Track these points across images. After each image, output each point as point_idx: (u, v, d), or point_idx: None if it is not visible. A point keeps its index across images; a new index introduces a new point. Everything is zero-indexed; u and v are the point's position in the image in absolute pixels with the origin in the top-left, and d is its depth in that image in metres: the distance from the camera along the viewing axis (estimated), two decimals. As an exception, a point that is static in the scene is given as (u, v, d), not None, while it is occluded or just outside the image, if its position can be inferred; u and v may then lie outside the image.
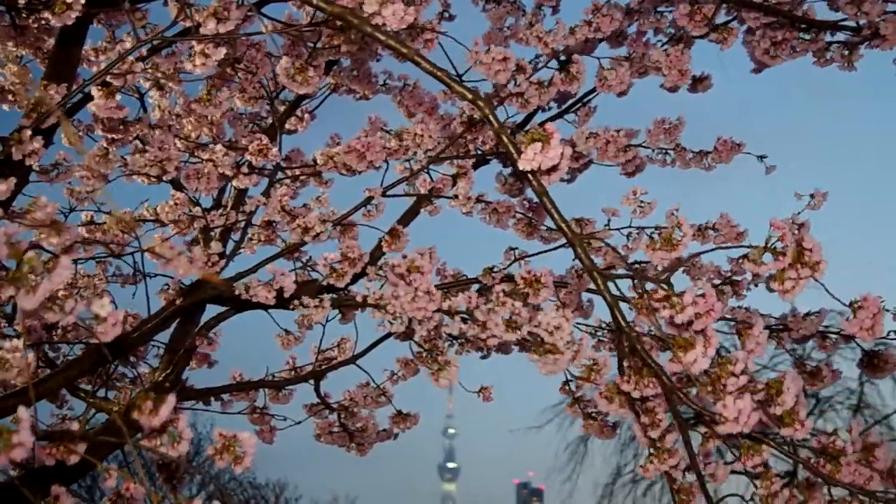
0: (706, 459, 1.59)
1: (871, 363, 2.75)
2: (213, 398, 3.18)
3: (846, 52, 2.56)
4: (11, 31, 2.29)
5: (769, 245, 1.37)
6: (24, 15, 2.25)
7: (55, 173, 2.44)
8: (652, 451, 1.60)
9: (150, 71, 2.47)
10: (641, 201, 2.54)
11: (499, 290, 1.98)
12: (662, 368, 1.39)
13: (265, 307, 2.76)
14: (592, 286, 2.84)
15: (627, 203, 2.51)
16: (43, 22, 2.30)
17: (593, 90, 2.88)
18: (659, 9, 2.65)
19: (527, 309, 2.04)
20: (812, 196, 2.71)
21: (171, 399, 1.37)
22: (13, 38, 2.31)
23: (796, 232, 1.45)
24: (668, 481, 1.62)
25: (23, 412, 1.31)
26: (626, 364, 1.52)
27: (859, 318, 1.51)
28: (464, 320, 2.47)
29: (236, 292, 2.60)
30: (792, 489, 1.60)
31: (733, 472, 1.69)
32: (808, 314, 2.80)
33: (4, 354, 2.02)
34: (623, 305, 1.48)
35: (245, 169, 2.73)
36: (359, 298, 2.75)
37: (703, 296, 1.30)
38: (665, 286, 1.34)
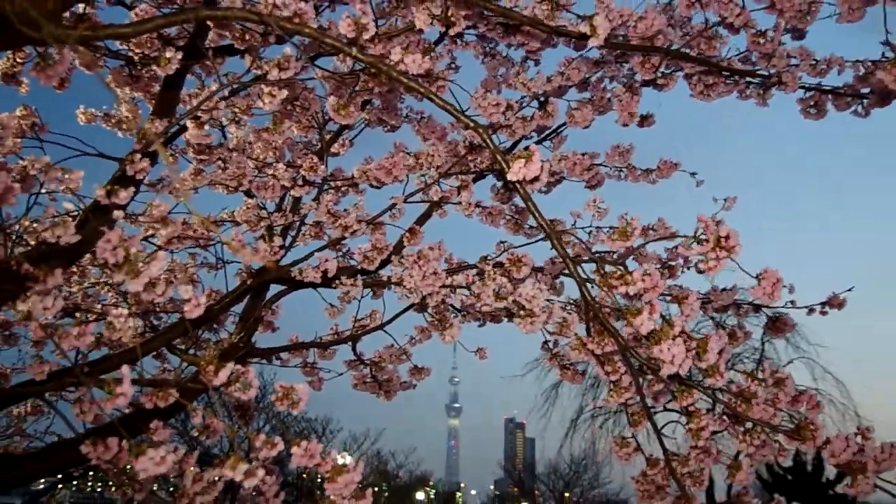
0: (655, 399, 1.58)
1: (774, 325, 2.75)
2: (274, 356, 3.19)
3: (761, 92, 2.54)
4: (129, 79, 2.31)
5: (697, 235, 1.36)
6: (138, 67, 2.26)
7: (160, 186, 2.44)
8: (612, 387, 1.59)
9: (229, 108, 2.47)
10: (599, 207, 2.53)
11: (489, 269, 1.99)
12: (618, 331, 1.38)
13: (314, 286, 2.75)
14: (563, 271, 2.84)
15: (588, 209, 2.51)
16: (152, 72, 2.31)
17: (564, 124, 2.87)
18: (618, 62, 2.63)
19: (512, 284, 2.04)
20: (725, 200, 2.71)
21: (230, 365, 1.38)
22: (130, 84, 2.33)
23: (716, 226, 1.44)
24: (625, 407, 1.61)
25: (125, 370, 1.31)
26: (591, 328, 1.51)
27: (762, 286, 1.50)
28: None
29: (293, 275, 2.59)
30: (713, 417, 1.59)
31: (669, 410, 1.68)
32: (724, 289, 2.81)
33: (113, 320, 2.03)
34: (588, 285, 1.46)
35: (300, 182, 2.72)
36: (384, 279, 2.76)
37: (649, 275, 1.29)
38: (622, 268, 1.33)
